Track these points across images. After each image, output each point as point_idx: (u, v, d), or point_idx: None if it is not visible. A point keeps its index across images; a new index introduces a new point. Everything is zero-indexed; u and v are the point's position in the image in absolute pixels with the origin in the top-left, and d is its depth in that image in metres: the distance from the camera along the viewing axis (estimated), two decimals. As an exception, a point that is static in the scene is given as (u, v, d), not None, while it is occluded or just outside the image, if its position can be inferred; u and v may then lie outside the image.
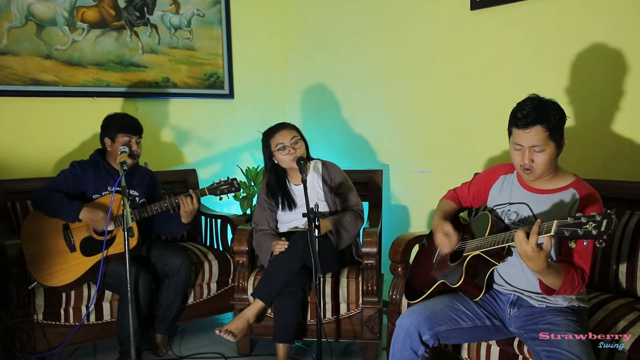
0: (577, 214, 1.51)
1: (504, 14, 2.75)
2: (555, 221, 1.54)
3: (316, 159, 2.84)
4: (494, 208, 2.00)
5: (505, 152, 2.79)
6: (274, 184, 2.76)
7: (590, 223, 1.46)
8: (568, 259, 1.76)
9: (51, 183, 2.62)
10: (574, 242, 1.55)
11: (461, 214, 2.22)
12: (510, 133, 1.84)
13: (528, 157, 1.78)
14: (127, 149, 2.59)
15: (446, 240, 1.99)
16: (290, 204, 2.74)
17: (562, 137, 1.79)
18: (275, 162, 2.71)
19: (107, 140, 2.70)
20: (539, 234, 1.57)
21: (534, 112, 1.74)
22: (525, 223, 1.86)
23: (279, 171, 2.74)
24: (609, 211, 1.46)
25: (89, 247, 2.57)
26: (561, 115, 1.78)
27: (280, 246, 2.56)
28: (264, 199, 2.80)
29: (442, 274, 1.99)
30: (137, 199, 2.75)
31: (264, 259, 2.66)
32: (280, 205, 2.76)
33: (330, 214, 2.72)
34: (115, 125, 2.68)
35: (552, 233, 1.53)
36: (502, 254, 1.83)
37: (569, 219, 1.51)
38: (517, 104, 1.81)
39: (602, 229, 1.44)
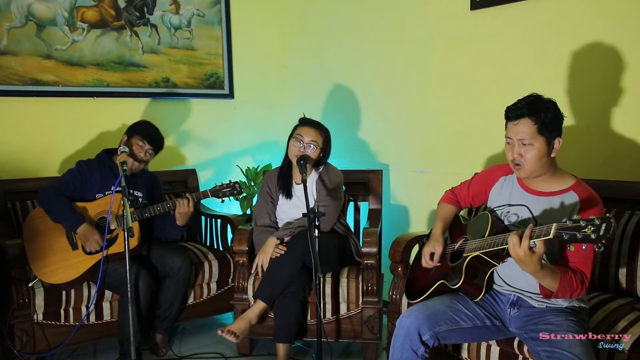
0: (576, 217, 1.50)
1: (504, 14, 2.75)
2: (554, 224, 1.53)
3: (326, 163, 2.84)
4: (494, 209, 2.00)
5: (505, 152, 2.78)
6: (283, 172, 2.79)
7: (589, 227, 1.45)
8: (567, 263, 1.76)
9: (58, 183, 2.62)
10: (572, 246, 1.55)
11: (461, 212, 2.22)
12: (506, 127, 1.86)
13: (517, 151, 1.80)
14: (127, 149, 2.59)
15: (427, 259, 2.04)
16: (288, 193, 2.75)
17: (554, 136, 1.78)
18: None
19: (124, 137, 2.74)
20: (538, 237, 1.57)
21: (526, 106, 1.78)
22: (525, 225, 1.86)
23: (290, 161, 2.74)
24: (608, 215, 1.46)
25: None
26: (555, 114, 1.78)
27: (278, 252, 2.57)
28: (266, 191, 2.81)
29: (442, 274, 2.00)
30: (140, 199, 2.75)
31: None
32: (280, 192, 2.77)
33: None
34: (140, 128, 2.73)
35: (550, 236, 1.53)
36: (502, 254, 1.83)
37: (567, 222, 1.50)
38: (516, 101, 1.84)
39: (601, 233, 1.43)
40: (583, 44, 2.48)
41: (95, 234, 2.54)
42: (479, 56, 2.88)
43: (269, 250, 2.59)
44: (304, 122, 2.73)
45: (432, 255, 2.04)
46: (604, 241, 1.44)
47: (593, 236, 1.44)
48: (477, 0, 2.83)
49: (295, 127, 2.72)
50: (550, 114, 1.77)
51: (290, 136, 2.71)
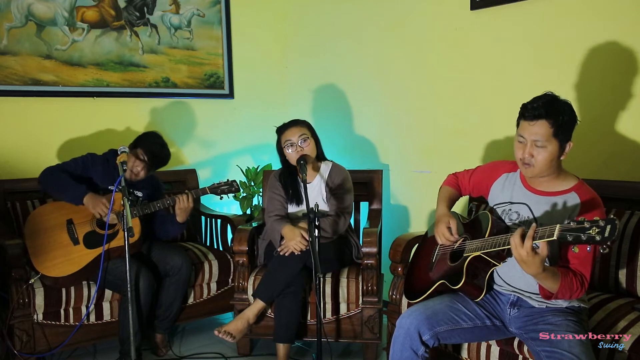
0: (580, 218, 1.49)
1: (504, 14, 2.75)
2: (557, 225, 1.52)
3: (329, 160, 2.83)
4: (495, 207, 2.00)
5: (505, 152, 2.79)
6: (286, 177, 2.77)
7: (594, 228, 1.44)
8: (568, 264, 1.76)
9: (61, 164, 2.67)
10: (577, 247, 1.54)
11: (460, 212, 2.21)
12: (517, 125, 1.83)
13: (529, 151, 1.77)
14: (127, 149, 2.59)
15: (447, 234, 1.97)
16: (298, 199, 2.74)
17: (567, 139, 1.76)
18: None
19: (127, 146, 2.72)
20: (542, 238, 1.56)
21: (544, 107, 1.73)
22: (526, 224, 1.85)
23: (290, 166, 2.73)
24: (612, 216, 1.44)
25: (93, 240, 2.60)
26: (571, 117, 1.75)
27: (298, 242, 2.50)
28: (275, 187, 2.78)
29: (442, 273, 1.99)
30: (140, 199, 2.76)
31: (276, 240, 2.63)
32: (289, 199, 2.76)
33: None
34: (145, 141, 2.70)
35: (554, 237, 1.52)
36: (503, 254, 1.82)
37: (572, 224, 1.49)
38: (533, 98, 1.80)
39: (606, 234, 1.42)
40: (583, 44, 2.48)
41: (102, 198, 2.55)
42: (479, 56, 2.88)
43: (298, 237, 2.51)
44: (282, 128, 2.72)
45: (449, 230, 1.98)
46: (609, 243, 1.43)
47: (598, 238, 1.43)
48: (477, 0, 2.83)
49: (279, 139, 2.71)
50: (567, 117, 1.73)
51: (280, 148, 2.70)
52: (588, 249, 1.49)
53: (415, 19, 3.17)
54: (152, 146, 2.70)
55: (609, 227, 1.43)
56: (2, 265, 2.51)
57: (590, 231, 1.45)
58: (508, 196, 1.96)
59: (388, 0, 3.30)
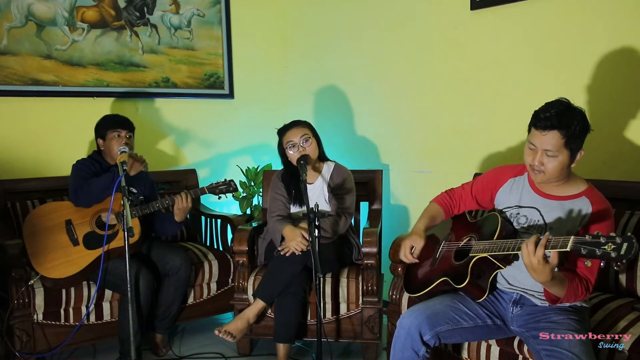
0: (596, 232, 1.47)
1: (504, 14, 2.75)
2: (572, 237, 1.50)
3: (332, 160, 2.83)
4: (503, 210, 1.98)
5: (505, 151, 2.79)
6: (289, 179, 2.76)
7: (610, 244, 1.41)
8: (574, 267, 1.76)
9: (77, 175, 2.62)
10: (589, 261, 1.53)
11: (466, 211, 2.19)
12: (529, 130, 1.80)
13: (539, 159, 1.75)
14: (126, 149, 2.59)
15: (408, 253, 2.02)
16: (301, 200, 2.72)
17: (579, 147, 1.75)
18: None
19: (100, 141, 2.76)
20: (554, 247, 1.55)
21: (556, 117, 1.70)
22: (535, 229, 1.84)
23: (293, 167, 2.72)
24: (630, 234, 1.41)
25: (92, 241, 2.60)
26: (583, 127, 1.73)
27: (299, 243, 2.50)
28: (278, 188, 2.77)
29: (445, 271, 1.98)
30: (135, 194, 2.76)
31: (277, 240, 2.64)
32: (292, 200, 2.76)
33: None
34: (104, 124, 2.74)
35: (567, 249, 1.50)
36: (510, 258, 1.81)
37: (587, 237, 1.47)
38: (545, 104, 1.77)
39: (622, 252, 1.39)
40: (583, 44, 2.48)
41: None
42: (479, 56, 2.89)
43: (299, 238, 2.52)
44: (284, 129, 2.71)
45: (412, 249, 2.03)
46: (624, 261, 1.40)
47: (613, 254, 1.40)
48: (477, 0, 2.83)
49: (281, 140, 2.70)
50: (579, 127, 1.71)
51: (282, 149, 2.70)
52: (602, 264, 1.46)
53: (415, 19, 3.17)
54: (111, 120, 2.73)
55: (625, 244, 1.39)
56: (2, 265, 2.51)
57: (606, 247, 1.42)
58: (516, 200, 1.94)
59: (388, 1, 3.30)
